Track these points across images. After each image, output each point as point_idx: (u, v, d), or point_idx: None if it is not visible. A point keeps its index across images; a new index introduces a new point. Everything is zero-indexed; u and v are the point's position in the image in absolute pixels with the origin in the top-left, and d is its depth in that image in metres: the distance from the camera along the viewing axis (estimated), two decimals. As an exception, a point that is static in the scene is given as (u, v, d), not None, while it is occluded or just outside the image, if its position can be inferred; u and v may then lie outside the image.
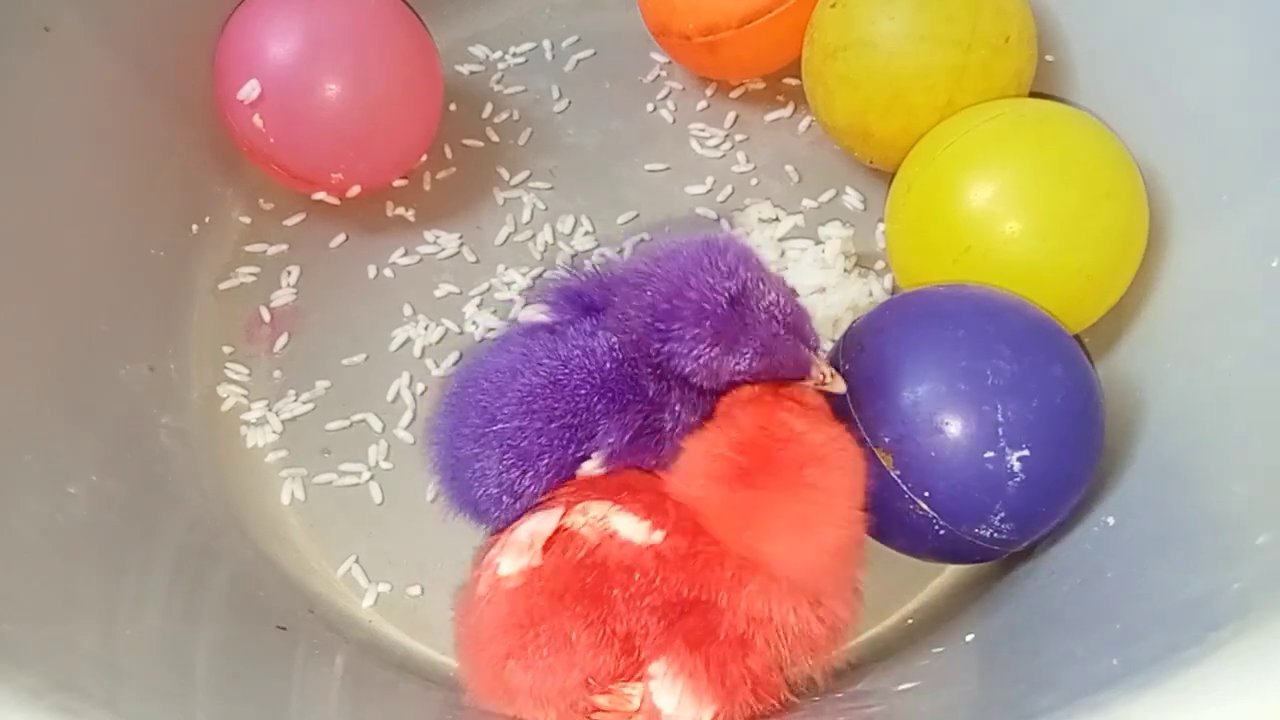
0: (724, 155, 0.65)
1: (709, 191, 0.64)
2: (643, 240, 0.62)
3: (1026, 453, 0.42)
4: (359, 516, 0.55)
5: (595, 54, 0.69)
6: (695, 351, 0.41)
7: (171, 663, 0.42)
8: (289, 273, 0.62)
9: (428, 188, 0.65)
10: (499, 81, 0.69)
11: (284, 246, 0.63)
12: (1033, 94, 0.56)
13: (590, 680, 0.39)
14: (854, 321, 0.50)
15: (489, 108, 0.67)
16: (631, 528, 0.40)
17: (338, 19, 0.56)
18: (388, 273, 0.62)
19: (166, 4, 0.57)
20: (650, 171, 0.65)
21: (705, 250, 0.42)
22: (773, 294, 0.41)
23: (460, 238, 0.63)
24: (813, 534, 0.39)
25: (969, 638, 0.46)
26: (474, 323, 0.60)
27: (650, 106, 0.67)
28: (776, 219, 0.62)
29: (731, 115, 0.66)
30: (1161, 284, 0.51)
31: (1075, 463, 0.44)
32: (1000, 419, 0.42)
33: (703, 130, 0.66)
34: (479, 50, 0.70)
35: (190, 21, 0.58)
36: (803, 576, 0.39)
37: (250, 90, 0.54)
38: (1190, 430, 0.45)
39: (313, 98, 0.55)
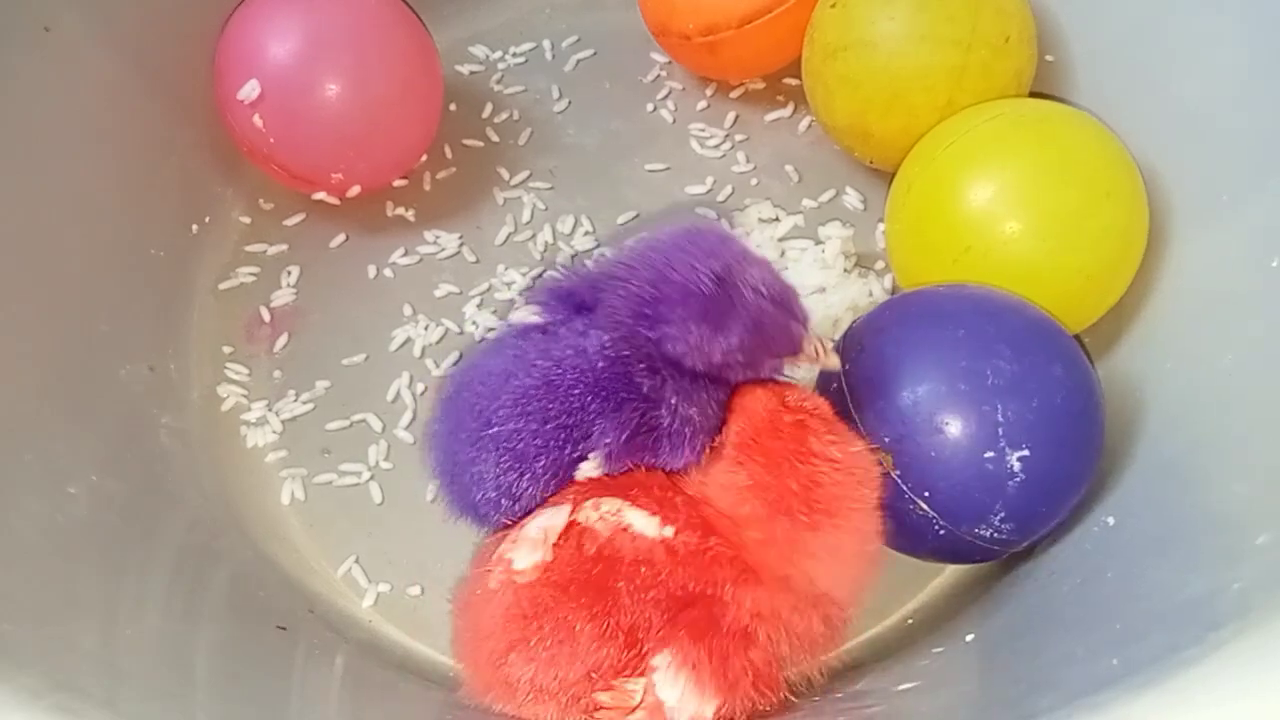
0: (724, 155, 0.65)
1: (709, 191, 0.64)
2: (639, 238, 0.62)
3: (1026, 453, 0.42)
4: (359, 516, 0.55)
5: (595, 54, 0.69)
6: (686, 332, 0.41)
7: (171, 663, 0.42)
8: (289, 273, 0.62)
9: (428, 188, 0.65)
10: (499, 81, 0.69)
11: (284, 246, 0.63)
12: (1033, 94, 0.56)
13: (592, 674, 0.39)
14: (854, 321, 0.50)
15: (489, 108, 0.67)
16: (644, 521, 0.40)
17: (338, 19, 0.56)
18: (388, 273, 0.62)
19: (166, 4, 0.57)
20: (650, 171, 0.65)
21: (685, 236, 0.42)
22: (757, 271, 0.41)
23: (460, 238, 0.63)
24: (847, 553, 0.40)
25: (969, 638, 0.46)
26: (474, 323, 0.60)
27: (650, 106, 0.67)
28: (776, 219, 0.62)
29: (731, 115, 0.66)
30: (1161, 284, 0.51)
31: (1075, 463, 0.44)
32: (1000, 419, 0.42)
33: (703, 130, 0.66)
34: (479, 50, 0.70)
35: (190, 21, 0.58)
36: (834, 590, 0.40)
37: (250, 90, 0.54)
38: (1190, 430, 0.45)
39: (313, 98, 0.55)
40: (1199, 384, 0.46)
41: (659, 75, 0.68)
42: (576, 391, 0.42)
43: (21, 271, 0.48)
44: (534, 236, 0.63)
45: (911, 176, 0.53)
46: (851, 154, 0.61)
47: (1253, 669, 0.29)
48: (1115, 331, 0.52)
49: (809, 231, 0.61)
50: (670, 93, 0.68)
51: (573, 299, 0.46)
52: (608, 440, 0.42)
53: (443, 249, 0.62)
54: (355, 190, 0.59)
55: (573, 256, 0.62)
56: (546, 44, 0.70)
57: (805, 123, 0.66)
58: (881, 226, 0.60)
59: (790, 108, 0.66)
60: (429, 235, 0.63)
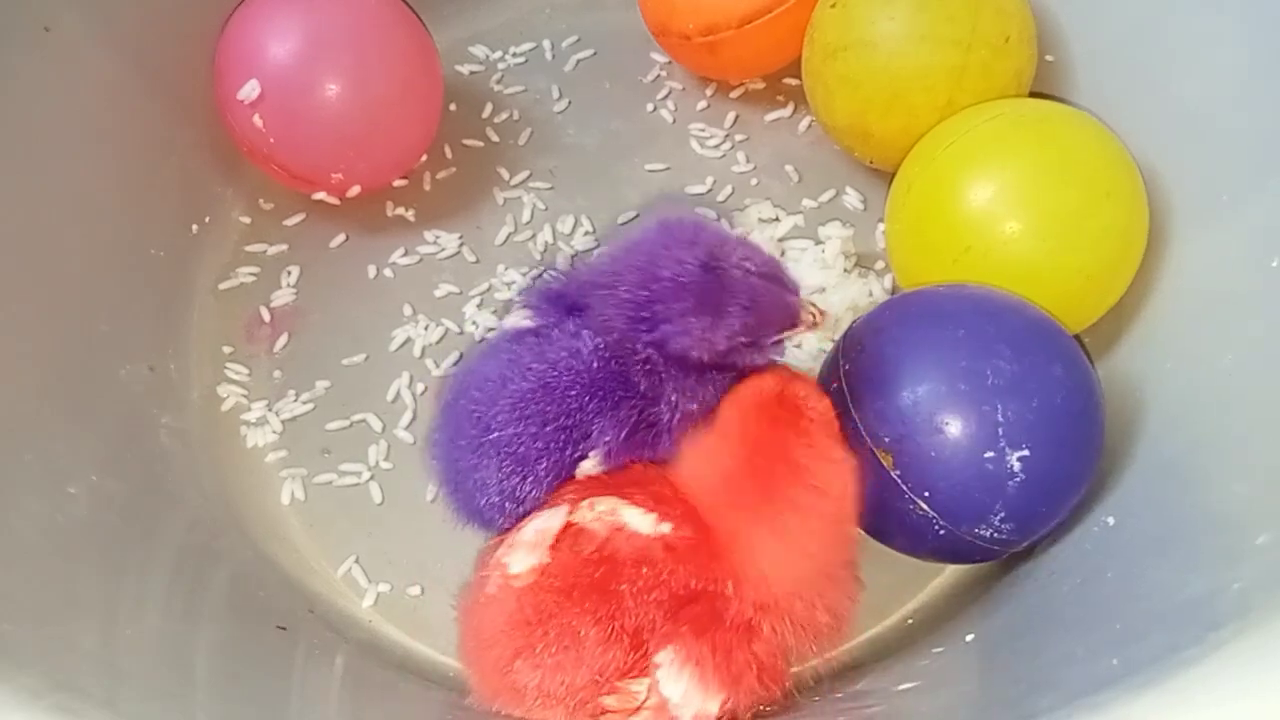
0: (724, 155, 0.65)
1: (709, 191, 0.64)
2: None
3: (1026, 453, 0.42)
4: (359, 516, 0.55)
5: (595, 54, 0.69)
6: (687, 326, 0.41)
7: (171, 663, 0.42)
8: (289, 273, 0.62)
9: (428, 188, 0.65)
10: (499, 81, 0.69)
11: (284, 246, 0.63)
12: (1033, 94, 0.56)
13: (598, 677, 0.39)
14: (854, 321, 0.50)
15: (489, 108, 0.67)
16: (639, 519, 0.40)
17: (338, 19, 0.56)
18: (388, 273, 0.62)
19: (166, 4, 0.57)
20: (650, 171, 0.65)
21: (662, 232, 0.42)
22: (740, 249, 0.42)
23: (460, 238, 0.63)
24: (796, 552, 0.40)
25: (969, 638, 0.46)
26: (474, 323, 0.60)
27: (650, 106, 0.67)
28: (776, 219, 0.62)
29: (731, 115, 0.66)
30: (1161, 284, 0.51)
31: (1075, 463, 0.44)
32: (1000, 419, 0.42)
33: (703, 130, 0.66)
34: (479, 50, 0.70)
35: (190, 21, 0.58)
36: (789, 587, 0.40)
37: (250, 90, 0.54)
38: (1190, 430, 0.45)
39: (313, 98, 0.55)
40: (1199, 384, 0.46)
41: (659, 75, 0.68)
42: (573, 393, 0.42)
43: (21, 271, 0.48)
44: (534, 236, 0.63)
45: (911, 176, 0.53)
46: (851, 154, 0.61)
47: (1253, 669, 0.29)
48: (1115, 331, 0.52)
49: (809, 231, 0.61)
50: (670, 93, 0.68)
51: (563, 301, 0.46)
52: (607, 439, 0.43)
53: (443, 249, 0.62)
54: (355, 190, 0.59)
55: (573, 257, 0.62)
56: (546, 44, 0.70)
57: (805, 123, 0.66)
58: (881, 226, 0.60)
59: (790, 108, 0.66)
60: (429, 235, 0.63)
